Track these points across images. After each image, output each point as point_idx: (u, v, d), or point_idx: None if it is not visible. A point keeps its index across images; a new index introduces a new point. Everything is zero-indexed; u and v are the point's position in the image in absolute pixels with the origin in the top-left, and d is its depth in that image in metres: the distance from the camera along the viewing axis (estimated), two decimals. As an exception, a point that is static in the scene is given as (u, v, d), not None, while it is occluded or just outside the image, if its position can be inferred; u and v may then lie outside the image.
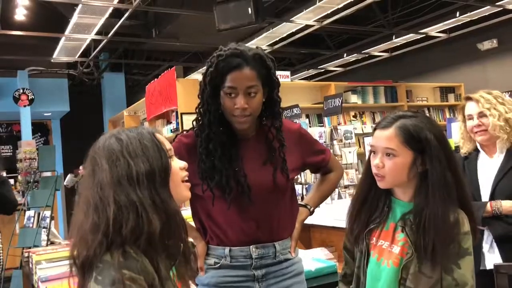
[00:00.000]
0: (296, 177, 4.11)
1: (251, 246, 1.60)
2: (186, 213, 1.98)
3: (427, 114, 6.86)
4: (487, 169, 2.22)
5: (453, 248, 1.34)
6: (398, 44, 8.38)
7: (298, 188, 4.09)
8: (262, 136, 1.64)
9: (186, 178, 1.21)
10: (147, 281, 1.04)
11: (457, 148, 2.40)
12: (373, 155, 1.45)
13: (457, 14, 6.88)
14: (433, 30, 7.61)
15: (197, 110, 1.63)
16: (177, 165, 1.19)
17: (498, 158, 2.21)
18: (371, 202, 1.49)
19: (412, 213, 1.39)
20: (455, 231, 1.35)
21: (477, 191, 2.21)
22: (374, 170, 1.42)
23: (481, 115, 2.19)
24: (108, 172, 1.09)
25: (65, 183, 6.44)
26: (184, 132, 1.69)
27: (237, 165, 1.59)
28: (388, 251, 1.43)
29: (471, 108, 2.24)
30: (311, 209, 1.78)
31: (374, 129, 1.47)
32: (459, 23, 7.23)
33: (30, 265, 2.59)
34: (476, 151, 2.29)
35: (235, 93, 1.53)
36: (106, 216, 1.05)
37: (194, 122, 1.65)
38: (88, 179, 1.12)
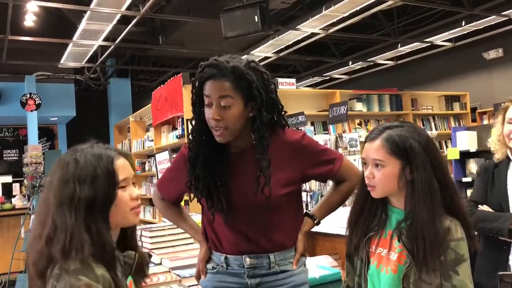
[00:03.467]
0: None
1: (244, 256, 1.61)
2: (197, 218, 2.02)
3: (432, 123, 6.86)
4: None
5: (449, 255, 1.37)
6: (404, 53, 8.41)
7: (302, 195, 4.09)
8: (251, 151, 1.60)
9: (139, 207, 1.26)
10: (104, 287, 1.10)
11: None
12: (364, 166, 1.49)
13: (463, 23, 6.90)
14: (439, 39, 7.63)
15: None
16: (128, 194, 1.23)
17: None
18: (368, 211, 1.52)
19: (405, 221, 1.43)
20: (448, 238, 1.38)
21: (505, 202, 2.14)
22: (366, 181, 1.47)
23: None
24: (55, 192, 1.15)
25: None
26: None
27: (220, 178, 1.58)
28: (386, 258, 1.46)
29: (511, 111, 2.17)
30: (316, 220, 1.74)
31: (364, 142, 1.51)
32: (465, 32, 7.25)
33: (37, 269, 2.61)
34: (508, 159, 2.21)
35: (210, 103, 1.53)
36: (44, 232, 1.13)
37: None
38: (45, 190, 1.20)
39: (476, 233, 1.73)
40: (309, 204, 4.06)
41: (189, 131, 1.65)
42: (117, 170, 1.20)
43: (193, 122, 1.62)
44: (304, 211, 1.77)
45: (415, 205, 1.38)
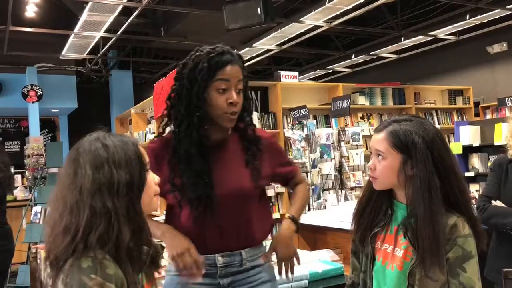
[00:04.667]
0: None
1: (216, 255, 1.59)
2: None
3: (435, 117, 6.83)
4: None
5: (456, 252, 1.36)
6: (407, 46, 8.36)
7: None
8: (235, 140, 1.64)
9: (158, 192, 1.24)
10: (117, 286, 1.06)
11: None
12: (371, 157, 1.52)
13: (467, 16, 6.85)
14: (443, 33, 7.58)
15: (169, 112, 1.59)
16: (152, 179, 1.22)
17: None
18: (374, 203, 1.52)
19: (409, 217, 1.41)
20: (455, 234, 1.37)
21: None
22: (368, 172, 1.49)
23: None
24: (90, 178, 1.10)
25: None
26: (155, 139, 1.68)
27: (206, 175, 1.56)
28: (392, 255, 1.45)
29: None
30: (295, 218, 1.72)
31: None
32: (469, 25, 7.20)
33: (38, 261, 2.61)
34: None
35: (228, 87, 1.53)
36: (78, 220, 1.08)
37: (166, 126, 1.62)
38: (67, 179, 1.13)
39: (485, 230, 1.70)
40: (310, 198, 4.04)
41: (180, 124, 1.57)
42: (142, 154, 1.20)
43: (179, 116, 1.56)
44: (290, 213, 1.74)
45: (414, 201, 1.38)
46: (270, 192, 5.21)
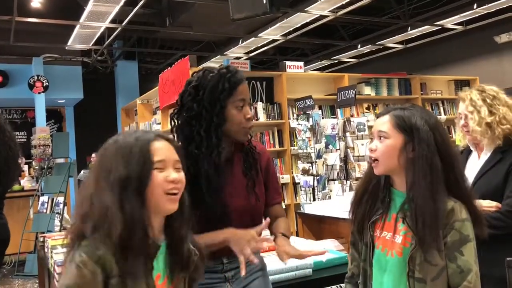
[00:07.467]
0: (308, 168, 4.12)
1: (223, 258, 1.70)
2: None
3: (441, 107, 6.80)
4: (473, 168, 2.19)
5: (454, 236, 1.38)
6: (413, 36, 8.29)
7: (309, 179, 4.09)
8: (238, 152, 1.73)
9: (174, 191, 1.22)
10: (104, 270, 1.11)
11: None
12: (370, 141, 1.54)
13: (475, 6, 6.78)
14: (450, 22, 7.50)
15: (192, 131, 1.64)
16: (163, 177, 1.21)
17: (485, 157, 2.18)
18: (370, 193, 1.54)
19: (408, 201, 1.43)
20: (452, 219, 1.38)
21: None
22: (369, 154, 1.51)
23: (466, 116, 2.17)
24: (96, 170, 1.22)
25: (79, 178, 6.54)
26: None
27: (222, 193, 1.65)
28: (391, 242, 1.47)
29: (460, 107, 2.22)
30: (286, 235, 1.77)
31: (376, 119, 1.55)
32: (476, 15, 7.12)
33: (46, 250, 2.64)
34: (469, 148, 2.27)
35: (244, 104, 1.65)
36: (82, 210, 1.19)
37: (189, 145, 1.65)
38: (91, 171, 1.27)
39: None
40: (316, 188, 4.05)
41: (192, 148, 1.63)
42: (153, 151, 1.21)
43: (198, 137, 1.63)
44: (280, 232, 1.78)
45: (414, 181, 1.40)
46: (275, 182, 5.21)
